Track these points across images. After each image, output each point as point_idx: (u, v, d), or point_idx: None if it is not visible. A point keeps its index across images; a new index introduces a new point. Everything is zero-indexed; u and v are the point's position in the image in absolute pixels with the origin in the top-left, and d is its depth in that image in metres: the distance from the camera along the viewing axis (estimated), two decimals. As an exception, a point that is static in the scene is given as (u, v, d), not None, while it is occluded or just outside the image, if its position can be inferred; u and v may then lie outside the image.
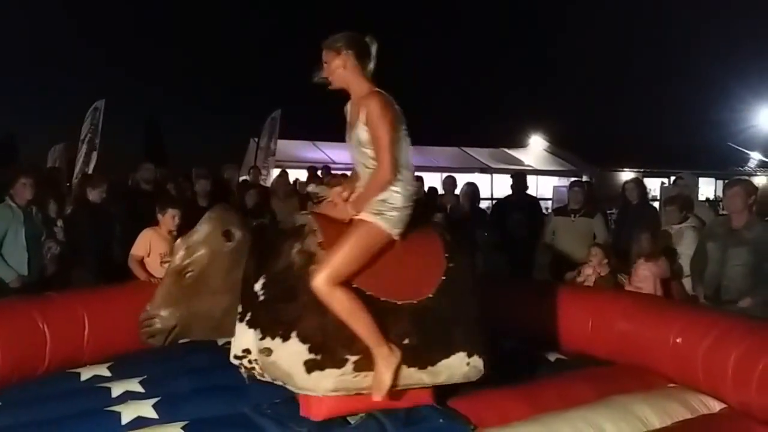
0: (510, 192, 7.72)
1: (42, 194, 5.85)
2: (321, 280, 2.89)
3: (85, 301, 4.25)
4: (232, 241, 3.09)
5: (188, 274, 3.08)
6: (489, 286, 4.79)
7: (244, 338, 3.06)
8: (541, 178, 22.81)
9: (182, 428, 3.02)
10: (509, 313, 4.51)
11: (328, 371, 2.97)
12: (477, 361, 3.16)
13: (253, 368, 3.10)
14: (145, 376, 3.67)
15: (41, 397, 3.50)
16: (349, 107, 3.26)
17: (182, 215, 5.19)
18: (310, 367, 2.95)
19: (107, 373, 3.81)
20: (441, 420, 3.13)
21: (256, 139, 15.67)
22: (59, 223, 6.16)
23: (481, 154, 23.60)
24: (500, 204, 8.02)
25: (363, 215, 3.03)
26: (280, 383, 3.08)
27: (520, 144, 26.66)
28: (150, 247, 5.04)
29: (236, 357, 3.12)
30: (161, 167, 7.92)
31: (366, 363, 2.99)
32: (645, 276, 5.15)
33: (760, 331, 3.58)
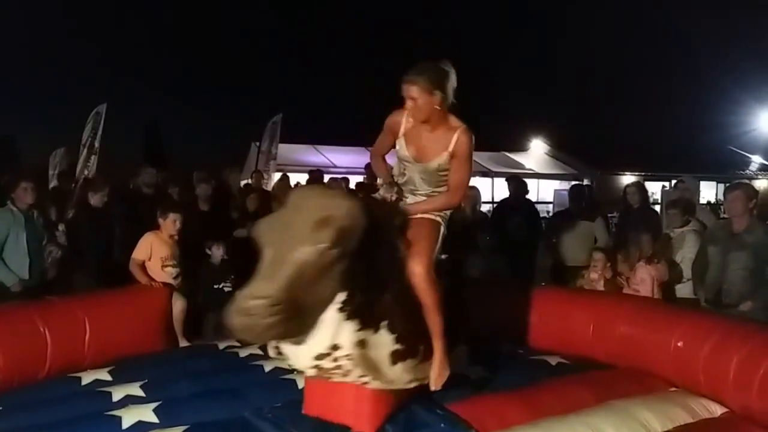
0: (508, 195, 7.73)
1: (44, 198, 5.87)
2: (426, 269, 2.98)
3: (86, 305, 4.26)
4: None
5: (332, 252, 2.53)
6: (490, 290, 4.82)
7: (337, 333, 2.71)
8: (542, 181, 22.84)
9: (183, 432, 3.02)
10: (510, 317, 4.52)
11: (409, 361, 2.99)
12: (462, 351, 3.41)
13: (338, 367, 2.80)
14: (146, 380, 3.67)
15: (42, 401, 3.50)
16: (404, 122, 3.28)
17: (183, 219, 5.23)
18: (395, 358, 2.92)
19: (108, 378, 3.81)
20: (442, 425, 3.13)
21: (258, 143, 15.68)
22: (61, 227, 6.17)
23: (481, 157, 23.58)
24: (500, 207, 8.01)
25: (430, 216, 3.23)
26: (363, 380, 2.94)
27: (521, 148, 26.67)
28: (151, 251, 5.06)
29: (317, 357, 2.75)
30: (162, 171, 7.92)
31: (428, 352, 3.07)
32: (643, 278, 5.15)
33: (761, 334, 3.57)
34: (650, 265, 5.20)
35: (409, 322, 2.95)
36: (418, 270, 2.96)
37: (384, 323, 2.86)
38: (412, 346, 2.99)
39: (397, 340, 2.91)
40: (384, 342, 2.87)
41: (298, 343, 2.72)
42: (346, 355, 2.77)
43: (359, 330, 2.75)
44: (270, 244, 2.56)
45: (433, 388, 3.13)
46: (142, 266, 5.02)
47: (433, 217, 3.23)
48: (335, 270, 2.59)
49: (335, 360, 2.77)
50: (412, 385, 3.12)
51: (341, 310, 2.68)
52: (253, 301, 2.41)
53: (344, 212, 2.56)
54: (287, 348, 2.83)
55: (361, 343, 2.78)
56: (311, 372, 2.86)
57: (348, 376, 2.89)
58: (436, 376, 3.11)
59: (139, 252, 5.05)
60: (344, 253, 2.57)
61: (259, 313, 2.40)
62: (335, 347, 2.73)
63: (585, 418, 3.22)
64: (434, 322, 3.03)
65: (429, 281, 2.98)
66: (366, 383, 2.97)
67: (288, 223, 2.57)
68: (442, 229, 3.25)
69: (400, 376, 3.01)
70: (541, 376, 3.95)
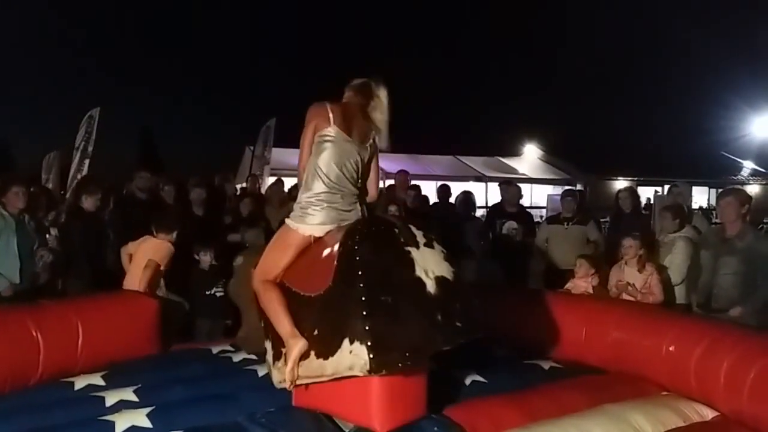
0: (501, 200, 7.74)
1: (36, 202, 5.85)
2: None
3: (79, 309, 4.24)
4: None
5: None
6: (483, 294, 4.83)
7: None
8: (535, 186, 22.93)
9: (176, 437, 3.02)
10: (503, 321, 4.53)
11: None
12: (359, 350, 2.88)
13: None
14: (139, 385, 3.66)
15: (35, 406, 3.47)
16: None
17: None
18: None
19: (101, 382, 3.79)
20: (435, 428, 3.12)
21: (252, 148, 15.67)
22: (53, 231, 6.15)
23: (475, 162, 23.69)
24: (493, 212, 8.03)
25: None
26: None
27: (515, 152, 26.78)
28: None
29: None
30: (156, 175, 7.89)
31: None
32: (657, 283, 5.10)
33: (751, 339, 3.61)
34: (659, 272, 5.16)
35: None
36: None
37: None
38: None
39: None
40: None
41: None
42: None
43: None
44: None
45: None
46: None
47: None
48: None
49: None
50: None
51: None
52: None
53: None
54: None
55: None
56: None
57: None
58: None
59: (164, 258, 5.11)
60: None
61: None
62: None
63: (577, 422, 3.24)
64: (273, 322, 3.22)
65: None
66: None
67: None
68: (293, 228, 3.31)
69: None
70: (534, 380, 3.96)
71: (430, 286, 3.01)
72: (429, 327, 2.93)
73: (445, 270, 3.10)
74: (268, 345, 3.27)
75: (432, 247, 3.15)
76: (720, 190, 6.13)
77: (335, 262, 3.08)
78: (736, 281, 4.59)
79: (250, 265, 3.61)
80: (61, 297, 5.16)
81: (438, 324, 2.95)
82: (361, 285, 2.93)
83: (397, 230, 3.16)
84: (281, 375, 3.13)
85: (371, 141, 3.41)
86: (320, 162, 3.26)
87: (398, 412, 3.06)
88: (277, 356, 3.17)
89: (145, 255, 5.10)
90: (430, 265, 3.07)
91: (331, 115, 3.29)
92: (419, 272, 3.02)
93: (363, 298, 2.91)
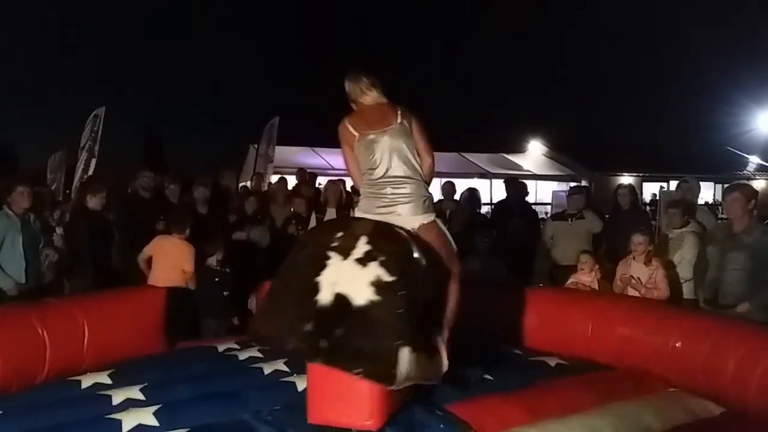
0: (506, 197, 7.73)
1: (41, 202, 5.87)
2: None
3: (85, 308, 4.25)
4: None
5: None
6: (489, 292, 4.82)
7: None
8: (540, 183, 22.87)
9: (182, 435, 3.02)
10: (509, 319, 4.52)
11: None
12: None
13: None
14: (146, 384, 3.66)
15: (42, 404, 3.49)
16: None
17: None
18: None
19: (108, 381, 3.80)
20: (442, 426, 3.12)
21: (256, 146, 15.68)
22: (58, 230, 6.16)
23: (479, 159, 23.65)
24: (499, 209, 8.01)
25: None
26: None
27: (519, 149, 26.74)
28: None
29: None
30: (161, 174, 7.89)
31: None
32: (663, 278, 5.07)
33: (758, 335, 3.59)
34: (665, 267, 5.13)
35: None
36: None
37: None
38: None
39: None
40: None
41: None
42: None
43: None
44: None
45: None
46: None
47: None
48: None
49: None
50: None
51: None
52: None
53: None
54: None
55: None
56: None
57: None
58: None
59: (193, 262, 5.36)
60: None
61: None
62: None
63: (584, 419, 3.23)
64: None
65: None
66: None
67: None
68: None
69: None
70: (540, 377, 3.96)
71: (323, 297, 2.95)
72: (289, 326, 3.01)
73: (359, 292, 2.92)
74: None
75: (364, 266, 2.98)
76: (726, 186, 6.07)
77: None
78: (743, 277, 4.56)
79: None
80: (66, 296, 5.16)
81: (300, 331, 2.94)
82: (279, 270, 3.29)
83: (340, 234, 3.16)
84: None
85: (400, 118, 3.53)
86: (364, 169, 3.58)
87: (327, 410, 3.05)
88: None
89: (176, 259, 5.34)
90: (342, 279, 2.96)
91: (352, 130, 3.57)
92: (320, 278, 2.99)
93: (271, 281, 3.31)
